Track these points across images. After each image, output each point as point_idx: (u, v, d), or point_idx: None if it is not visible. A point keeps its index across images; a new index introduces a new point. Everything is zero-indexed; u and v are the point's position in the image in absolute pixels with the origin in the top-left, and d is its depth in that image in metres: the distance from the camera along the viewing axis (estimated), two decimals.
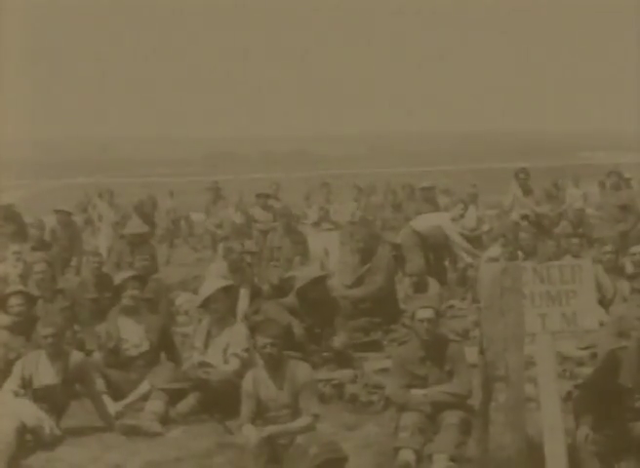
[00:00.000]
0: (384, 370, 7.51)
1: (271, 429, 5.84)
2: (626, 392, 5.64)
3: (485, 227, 12.64)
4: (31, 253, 10.34)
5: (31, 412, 6.51)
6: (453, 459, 5.82)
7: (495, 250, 10.22)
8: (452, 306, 9.95)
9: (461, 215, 11.39)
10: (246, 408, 6.05)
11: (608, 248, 9.41)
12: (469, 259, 11.01)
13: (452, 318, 9.48)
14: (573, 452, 5.43)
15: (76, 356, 6.86)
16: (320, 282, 8.20)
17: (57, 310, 8.47)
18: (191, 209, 16.62)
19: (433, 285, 9.83)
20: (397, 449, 5.92)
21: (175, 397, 7.06)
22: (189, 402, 7.04)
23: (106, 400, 7.10)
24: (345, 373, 7.60)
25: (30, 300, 7.89)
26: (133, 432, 6.67)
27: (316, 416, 5.98)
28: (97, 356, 7.57)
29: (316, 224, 14.61)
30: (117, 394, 7.28)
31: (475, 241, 11.77)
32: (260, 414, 6.04)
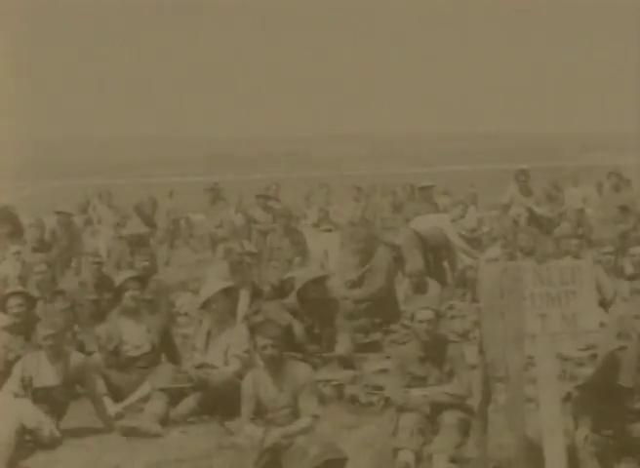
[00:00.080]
0: (384, 371, 7.52)
1: (274, 437, 5.82)
2: (626, 393, 5.65)
3: (485, 228, 12.66)
4: (31, 253, 10.36)
5: (31, 413, 6.51)
6: (452, 460, 5.83)
7: (494, 250, 10.24)
8: (451, 307, 9.95)
9: (461, 216, 11.41)
10: (246, 408, 6.06)
11: (608, 248, 9.42)
12: (469, 260, 11.02)
13: (451, 319, 9.48)
14: (572, 453, 5.43)
15: (76, 357, 6.86)
16: (320, 282, 8.20)
17: (57, 311, 8.47)
18: (191, 209, 16.62)
19: (433, 285, 9.83)
20: (397, 450, 5.92)
21: (175, 398, 7.06)
22: (189, 403, 7.04)
23: (107, 401, 7.11)
24: (345, 374, 7.60)
25: (30, 301, 7.88)
26: (133, 433, 6.67)
27: (316, 417, 5.99)
28: (97, 357, 7.57)
29: (316, 225, 14.62)
30: (117, 395, 7.28)
31: (475, 242, 11.79)
32: (260, 415, 6.04)
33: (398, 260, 10.25)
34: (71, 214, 12.58)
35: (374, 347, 8.63)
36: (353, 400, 7.22)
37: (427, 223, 11.09)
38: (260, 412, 6.04)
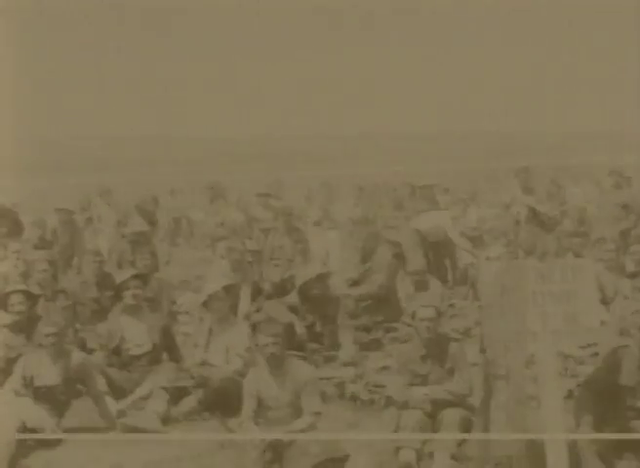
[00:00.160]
0: (386, 369, 7.52)
1: (275, 435, 5.82)
2: (627, 391, 5.65)
3: (486, 226, 12.63)
4: (32, 251, 10.34)
5: (32, 412, 6.51)
6: (454, 458, 5.83)
7: (496, 249, 10.22)
8: (453, 305, 9.93)
9: (462, 215, 11.39)
10: (247, 407, 6.06)
11: (609, 246, 9.41)
12: (470, 258, 11.01)
13: (453, 317, 9.46)
14: (573, 451, 5.43)
15: (78, 355, 6.86)
16: (322, 279, 8.20)
17: (58, 309, 8.46)
18: (192, 208, 16.58)
19: (434, 284, 9.82)
20: (398, 448, 5.92)
21: (176, 396, 7.07)
22: (191, 401, 7.04)
23: (108, 400, 7.10)
24: (346, 372, 7.60)
25: (31, 299, 7.88)
26: (134, 431, 6.67)
27: (317, 415, 5.99)
28: (98, 355, 7.56)
29: (317, 223, 14.59)
30: (119, 393, 7.28)
31: (476, 240, 11.77)
32: (262, 413, 6.04)
33: (399, 258, 10.23)
34: (72, 212, 12.56)
35: (375, 345, 8.62)
36: (355, 398, 7.22)
37: (428, 221, 11.08)
38: (261, 411, 6.04)
